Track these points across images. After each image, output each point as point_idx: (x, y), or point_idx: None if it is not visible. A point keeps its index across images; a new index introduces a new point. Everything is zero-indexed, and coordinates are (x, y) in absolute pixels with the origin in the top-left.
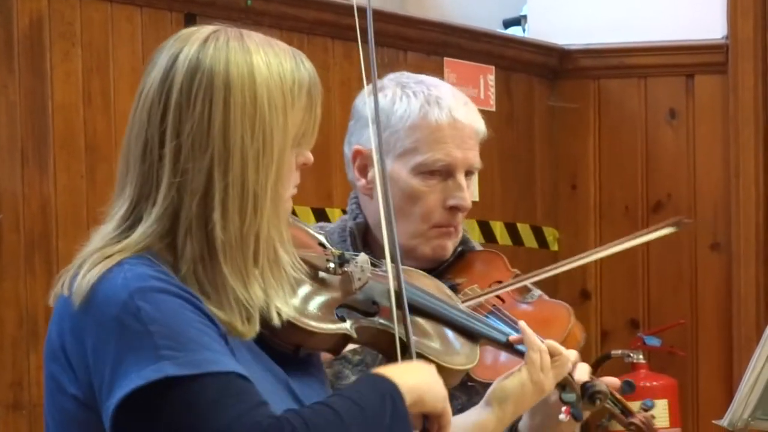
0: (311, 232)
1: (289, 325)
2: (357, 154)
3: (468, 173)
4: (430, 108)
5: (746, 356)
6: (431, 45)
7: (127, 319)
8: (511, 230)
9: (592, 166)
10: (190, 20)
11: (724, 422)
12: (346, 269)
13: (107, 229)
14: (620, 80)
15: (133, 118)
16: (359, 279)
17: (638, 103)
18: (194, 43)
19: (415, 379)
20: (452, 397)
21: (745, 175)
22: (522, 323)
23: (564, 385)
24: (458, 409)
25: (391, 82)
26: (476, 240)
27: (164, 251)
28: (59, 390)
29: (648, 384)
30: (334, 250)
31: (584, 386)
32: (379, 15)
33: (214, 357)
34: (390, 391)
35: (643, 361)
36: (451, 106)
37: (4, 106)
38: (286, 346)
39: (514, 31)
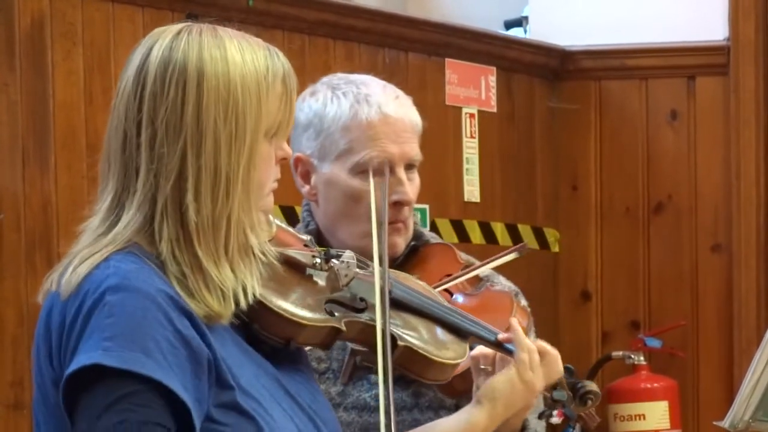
0: (295, 233)
1: (280, 319)
2: (298, 161)
3: (409, 167)
4: (359, 106)
5: (747, 358)
6: (432, 46)
7: (95, 311)
8: (512, 231)
9: (593, 167)
10: (192, 20)
11: (724, 424)
12: (332, 265)
13: (94, 223)
14: (621, 81)
15: (111, 115)
16: (345, 275)
17: (639, 105)
18: (167, 37)
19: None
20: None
21: (746, 176)
22: (513, 321)
23: (555, 385)
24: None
25: (322, 85)
26: (477, 241)
27: (145, 242)
28: (43, 379)
29: (648, 385)
30: (319, 248)
31: (575, 386)
32: (380, 16)
33: (144, 361)
34: None
35: (643, 363)
36: (381, 102)
37: (6, 105)
38: (276, 340)
39: (516, 32)
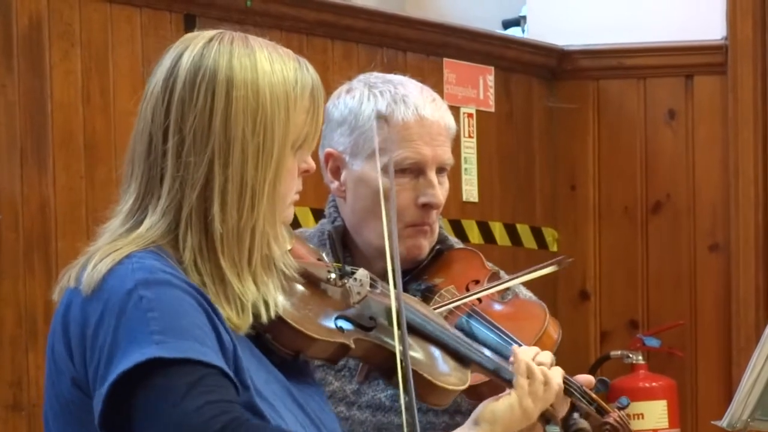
0: (311, 247)
1: (292, 331)
2: (329, 156)
3: (440, 170)
4: (396, 106)
5: (745, 357)
6: (431, 46)
7: (128, 307)
8: (511, 231)
9: (591, 166)
10: (190, 21)
11: (723, 423)
12: (345, 282)
13: (114, 224)
14: (619, 81)
15: (138, 117)
16: (358, 293)
17: (637, 104)
18: (198, 43)
19: None
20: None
21: (745, 175)
22: (514, 348)
23: (548, 418)
24: (442, 428)
25: (359, 83)
26: (476, 241)
27: (169, 246)
28: (59, 376)
29: (647, 385)
30: (334, 264)
31: (567, 422)
32: (378, 16)
33: (201, 348)
34: None
35: (642, 362)
36: (418, 104)
37: (3, 106)
38: (286, 352)
39: (514, 32)
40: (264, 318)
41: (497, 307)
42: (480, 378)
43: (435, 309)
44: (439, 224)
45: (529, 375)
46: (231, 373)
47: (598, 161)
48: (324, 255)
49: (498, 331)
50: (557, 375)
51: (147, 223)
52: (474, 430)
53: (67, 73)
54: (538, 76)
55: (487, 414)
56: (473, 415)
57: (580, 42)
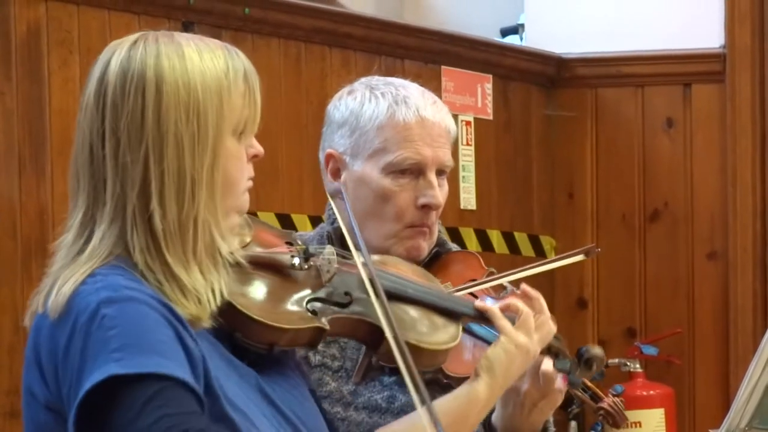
0: (277, 230)
1: (260, 325)
2: (329, 157)
3: (440, 172)
4: (397, 107)
5: (743, 365)
6: (429, 53)
7: (92, 327)
8: (508, 239)
9: (589, 174)
10: (188, 28)
11: (720, 431)
12: (313, 263)
13: (67, 239)
14: (617, 89)
15: (76, 132)
16: (328, 271)
17: (635, 112)
18: (124, 47)
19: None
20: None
21: (742, 183)
22: (477, 303)
23: (556, 353)
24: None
25: (360, 84)
26: (473, 249)
27: (126, 254)
28: (34, 402)
29: (645, 393)
30: (299, 246)
31: (579, 351)
32: (376, 23)
33: (162, 361)
34: None
35: (639, 370)
36: (419, 105)
37: (2, 113)
38: (259, 347)
39: (512, 40)
40: (213, 306)
41: (491, 302)
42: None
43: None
44: (438, 228)
45: (509, 310)
46: (194, 384)
47: (596, 169)
48: (293, 238)
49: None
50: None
51: (98, 233)
52: (474, 382)
53: (66, 80)
54: (536, 84)
55: (483, 363)
56: (474, 369)
57: (578, 50)
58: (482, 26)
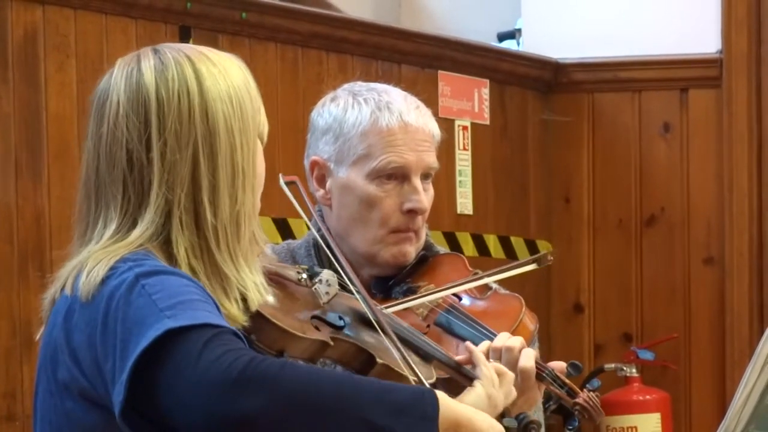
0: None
1: (277, 329)
2: (314, 164)
3: (425, 176)
4: (380, 113)
5: (739, 370)
6: (426, 58)
7: (132, 296)
8: (505, 243)
9: (585, 179)
10: (185, 32)
11: None
12: (315, 282)
13: (103, 238)
14: (614, 94)
15: (101, 140)
16: (327, 293)
17: (632, 117)
18: (148, 56)
19: (467, 409)
20: None
21: (739, 189)
22: (468, 345)
23: (503, 413)
24: None
25: (343, 91)
26: (470, 253)
27: (158, 248)
28: (61, 392)
29: (641, 398)
30: (300, 266)
31: (518, 416)
32: (373, 28)
33: (210, 316)
34: (425, 392)
35: (636, 375)
36: (402, 110)
37: None
38: (270, 352)
39: (509, 45)
40: (258, 300)
41: (476, 303)
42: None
43: (407, 302)
44: (425, 231)
45: (492, 367)
46: (242, 336)
47: (593, 174)
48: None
49: (476, 325)
50: (529, 358)
51: (137, 231)
52: None
53: (63, 84)
54: (533, 88)
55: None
56: None
57: (575, 55)
58: (479, 31)
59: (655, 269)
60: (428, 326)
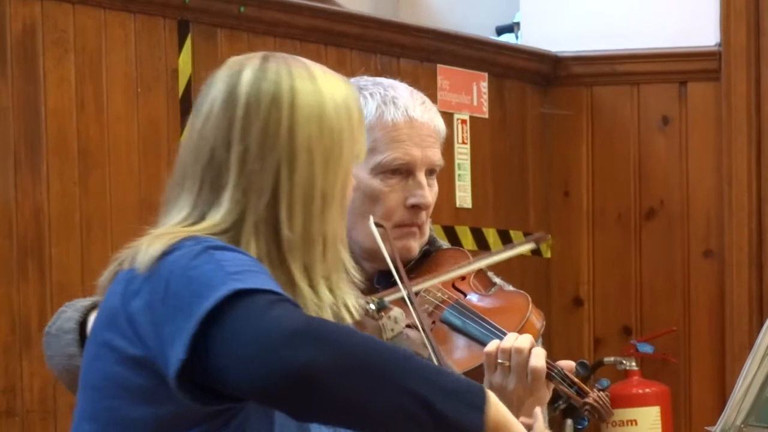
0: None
1: None
2: None
3: (430, 172)
4: (386, 108)
5: (739, 363)
6: (424, 52)
7: (199, 261)
8: (504, 237)
9: (584, 173)
10: (184, 27)
11: (716, 429)
12: (382, 315)
13: (169, 224)
14: (613, 87)
15: (192, 135)
16: (392, 330)
17: (631, 110)
18: (255, 62)
19: (509, 414)
20: None
21: (738, 182)
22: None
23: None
24: None
25: None
26: (469, 247)
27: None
28: (112, 357)
29: (640, 391)
30: (372, 296)
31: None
32: (372, 22)
33: (277, 287)
34: (477, 385)
35: (635, 368)
36: (407, 105)
37: None
38: None
39: (507, 38)
40: (348, 320)
41: (482, 299)
42: (474, 362)
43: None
44: (429, 226)
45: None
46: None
47: (592, 168)
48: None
49: (482, 322)
50: (539, 358)
51: (203, 225)
52: None
53: (61, 79)
54: (531, 82)
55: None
56: None
57: (573, 48)
58: (478, 24)
59: (655, 262)
60: (434, 322)
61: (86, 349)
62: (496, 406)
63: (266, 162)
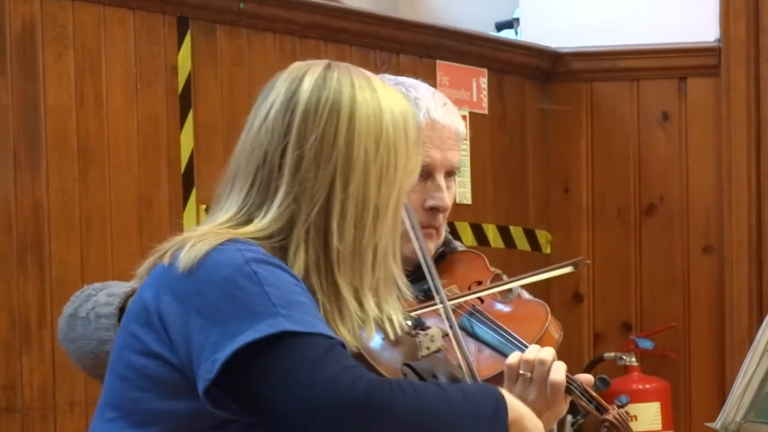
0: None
1: (366, 363)
2: None
3: (448, 174)
4: None
5: (739, 359)
6: (424, 48)
7: (241, 279)
8: (504, 233)
9: (584, 169)
10: (183, 23)
11: (716, 425)
12: (418, 333)
13: (215, 222)
14: (613, 83)
15: (248, 136)
16: (427, 348)
17: (630, 106)
18: (317, 69)
19: (521, 406)
20: None
21: (738, 178)
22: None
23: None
24: None
25: None
26: (469, 243)
27: (270, 250)
28: (138, 349)
29: (640, 387)
30: (409, 313)
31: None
32: (371, 18)
33: (323, 326)
34: (496, 395)
35: (635, 364)
36: (429, 107)
37: None
38: None
39: (507, 34)
40: (391, 335)
41: (499, 306)
42: (490, 371)
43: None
44: (445, 228)
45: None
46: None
47: (592, 163)
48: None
49: (500, 330)
50: (559, 372)
51: (249, 228)
52: None
53: (61, 75)
54: (531, 78)
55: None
56: None
57: (573, 44)
58: (477, 20)
59: (655, 258)
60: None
61: (117, 336)
62: (513, 407)
63: (321, 171)
